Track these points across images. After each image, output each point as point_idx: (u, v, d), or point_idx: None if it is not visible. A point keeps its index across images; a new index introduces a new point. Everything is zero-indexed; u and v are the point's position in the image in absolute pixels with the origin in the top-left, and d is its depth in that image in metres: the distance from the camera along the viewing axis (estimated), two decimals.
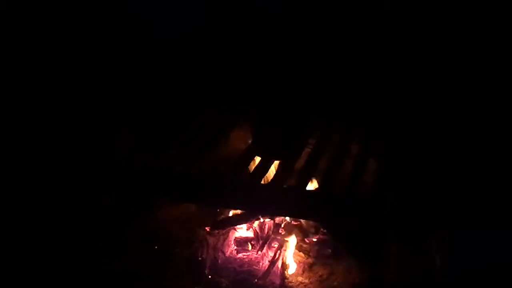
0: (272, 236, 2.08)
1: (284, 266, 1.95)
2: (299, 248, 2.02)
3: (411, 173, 1.63)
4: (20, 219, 1.74)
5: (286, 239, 2.04)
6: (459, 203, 1.53)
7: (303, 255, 2.00)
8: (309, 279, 1.92)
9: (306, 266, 1.97)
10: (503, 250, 1.49)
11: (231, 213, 2.11)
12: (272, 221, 2.10)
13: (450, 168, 1.59)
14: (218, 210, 2.15)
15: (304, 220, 2.07)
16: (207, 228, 2.05)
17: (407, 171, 1.64)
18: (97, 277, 1.75)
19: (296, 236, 2.04)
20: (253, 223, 2.11)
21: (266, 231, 2.10)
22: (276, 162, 1.79)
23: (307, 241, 2.05)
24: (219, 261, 2.03)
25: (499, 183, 1.54)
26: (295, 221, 2.09)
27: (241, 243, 2.10)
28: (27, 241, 1.73)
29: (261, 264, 2.02)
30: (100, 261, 1.78)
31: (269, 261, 1.99)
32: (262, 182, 1.70)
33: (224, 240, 2.09)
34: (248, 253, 2.08)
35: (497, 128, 1.59)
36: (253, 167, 1.78)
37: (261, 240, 2.08)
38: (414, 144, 1.67)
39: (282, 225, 2.08)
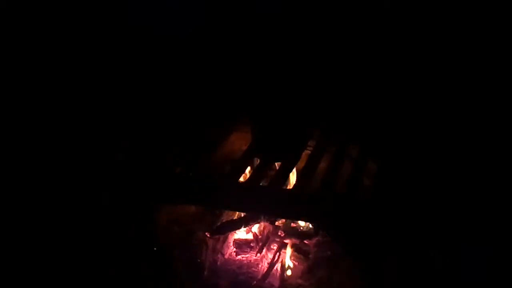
0: (271, 238, 2.07)
1: (283, 268, 1.94)
2: (298, 250, 2.01)
3: (411, 175, 1.62)
4: (20, 220, 1.73)
5: (285, 241, 2.03)
6: (461, 206, 1.53)
7: (302, 257, 2.00)
8: (308, 281, 1.91)
9: (305, 269, 1.96)
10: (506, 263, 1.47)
11: (233, 215, 2.11)
12: (271, 223, 2.09)
13: (450, 170, 1.59)
14: (217, 211, 2.14)
15: (303, 222, 2.07)
16: (207, 234, 2.04)
17: (407, 173, 1.63)
18: (97, 279, 1.74)
19: (295, 238, 2.03)
20: (253, 226, 2.10)
21: (265, 233, 2.10)
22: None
23: (306, 243, 2.04)
24: (218, 263, 2.02)
25: (499, 183, 1.54)
26: (294, 223, 2.09)
27: (240, 245, 2.09)
28: (27, 242, 1.72)
29: (260, 266, 2.01)
30: (100, 263, 1.78)
31: (268, 263, 1.98)
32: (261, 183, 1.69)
33: (223, 242, 2.08)
34: (247, 255, 2.07)
35: (502, 133, 1.59)
36: (253, 169, 1.77)
37: (260, 242, 2.07)
38: (415, 146, 1.67)
39: (281, 227, 2.07)
